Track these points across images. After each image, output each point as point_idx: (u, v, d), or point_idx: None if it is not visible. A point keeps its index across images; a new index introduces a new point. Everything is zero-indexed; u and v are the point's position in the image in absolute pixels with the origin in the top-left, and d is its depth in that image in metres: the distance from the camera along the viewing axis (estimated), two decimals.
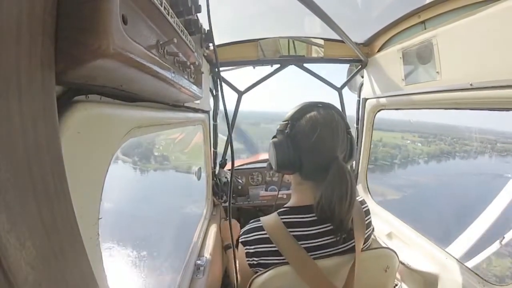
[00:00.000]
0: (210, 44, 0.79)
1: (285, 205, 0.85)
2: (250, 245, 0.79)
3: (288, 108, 0.86)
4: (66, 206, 0.28)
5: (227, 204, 1.71)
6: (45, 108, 0.26)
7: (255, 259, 0.78)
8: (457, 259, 1.06)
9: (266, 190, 2.03)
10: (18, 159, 0.22)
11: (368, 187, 1.82)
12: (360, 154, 1.77)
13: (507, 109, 0.86)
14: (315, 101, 0.84)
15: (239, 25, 1.47)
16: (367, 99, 1.67)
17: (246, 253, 0.80)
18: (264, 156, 2.79)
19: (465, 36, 0.89)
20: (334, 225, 0.76)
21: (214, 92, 1.68)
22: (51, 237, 0.25)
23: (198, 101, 1.04)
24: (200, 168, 1.51)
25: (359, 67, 1.67)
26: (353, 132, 1.63)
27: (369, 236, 0.86)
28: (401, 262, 1.15)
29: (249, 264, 0.80)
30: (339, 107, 1.70)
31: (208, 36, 0.74)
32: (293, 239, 0.75)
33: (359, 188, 1.81)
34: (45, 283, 0.23)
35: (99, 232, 0.41)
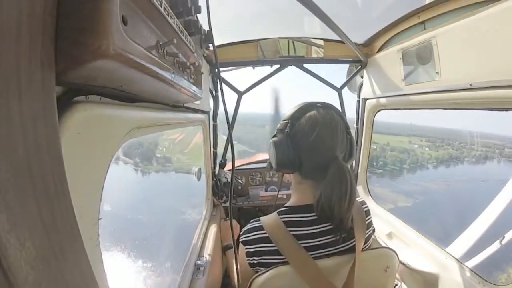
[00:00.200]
0: (210, 45, 0.79)
1: (285, 205, 0.85)
2: (250, 245, 0.79)
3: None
4: (66, 206, 0.28)
5: (227, 204, 1.71)
6: (45, 108, 0.26)
7: (255, 258, 0.78)
8: (457, 259, 1.06)
9: (266, 190, 2.03)
10: (18, 159, 0.22)
11: (368, 188, 1.82)
12: (360, 154, 1.77)
13: (507, 109, 0.86)
14: (314, 101, 0.84)
15: (239, 25, 1.47)
16: (367, 99, 1.68)
17: (247, 252, 0.80)
18: (264, 156, 2.79)
19: (465, 36, 0.89)
20: (334, 224, 0.76)
21: (214, 92, 1.68)
22: (51, 237, 0.25)
23: (198, 102, 1.04)
24: (200, 168, 1.52)
25: (358, 68, 1.67)
26: (353, 133, 1.63)
27: (369, 237, 0.86)
28: (401, 262, 1.15)
29: (250, 264, 0.80)
30: (339, 108, 1.70)
31: (208, 36, 0.74)
32: (292, 238, 0.75)
33: (359, 188, 1.81)
34: (45, 283, 0.23)
35: (99, 232, 0.41)
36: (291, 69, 1.73)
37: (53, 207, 0.26)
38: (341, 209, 0.73)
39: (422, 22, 1.16)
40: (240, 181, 2.03)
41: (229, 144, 0.94)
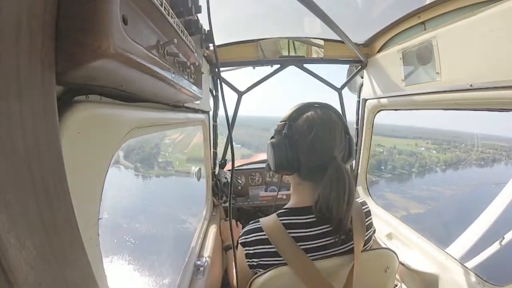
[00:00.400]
0: (210, 45, 0.79)
1: (284, 206, 0.85)
2: (250, 246, 0.79)
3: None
4: (66, 206, 0.28)
5: (227, 204, 1.71)
6: (45, 108, 0.26)
7: (255, 260, 0.78)
8: (456, 260, 1.06)
9: (266, 191, 2.03)
10: (18, 159, 0.22)
11: (368, 188, 1.82)
12: (359, 155, 1.77)
13: (507, 110, 0.86)
14: (312, 102, 0.84)
15: (239, 25, 1.47)
16: (367, 99, 1.68)
17: (246, 254, 0.80)
18: (264, 156, 2.78)
19: (465, 36, 0.89)
20: (333, 225, 0.75)
21: (214, 92, 1.68)
22: (51, 237, 0.25)
23: (198, 102, 1.04)
24: (200, 168, 1.51)
25: (359, 68, 1.67)
26: (353, 133, 1.62)
27: (370, 238, 0.86)
28: (401, 263, 1.15)
29: (249, 265, 0.79)
30: (339, 108, 1.70)
31: (208, 36, 0.74)
32: (291, 240, 0.75)
33: (359, 189, 1.80)
34: (45, 283, 0.23)
35: (99, 232, 0.41)
36: (291, 69, 1.74)
37: (53, 207, 0.26)
38: (340, 210, 0.72)
39: (423, 22, 1.16)
40: (240, 181, 2.03)
41: (229, 144, 0.94)
